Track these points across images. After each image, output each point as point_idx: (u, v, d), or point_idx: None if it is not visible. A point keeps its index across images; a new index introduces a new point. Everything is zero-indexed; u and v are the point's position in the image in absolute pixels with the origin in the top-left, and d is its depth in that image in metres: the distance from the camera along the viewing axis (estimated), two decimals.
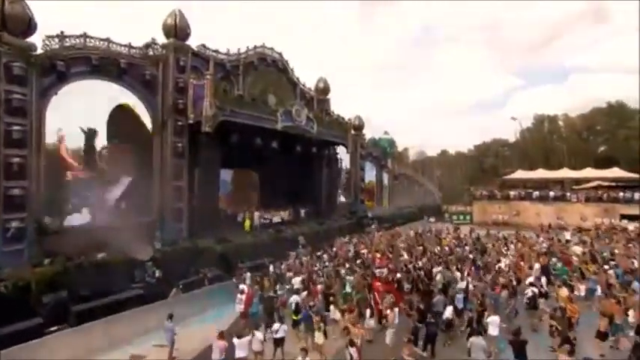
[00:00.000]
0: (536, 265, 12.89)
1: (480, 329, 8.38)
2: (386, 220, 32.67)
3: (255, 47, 22.27)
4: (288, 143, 22.58)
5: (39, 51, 13.15)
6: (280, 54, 24.16)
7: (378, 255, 15.90)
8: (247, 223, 20.68)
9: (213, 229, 17.76)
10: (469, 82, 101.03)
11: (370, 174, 36.89)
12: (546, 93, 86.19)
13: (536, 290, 10.31)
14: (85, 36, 14.58)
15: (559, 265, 13.40)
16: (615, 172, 34.67)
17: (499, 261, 14.45)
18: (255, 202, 24.54)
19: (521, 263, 13.98)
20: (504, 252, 16.77)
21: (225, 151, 19.11)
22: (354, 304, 10.30)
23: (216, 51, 19.69)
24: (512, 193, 35.33)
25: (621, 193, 30.13)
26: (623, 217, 28.62)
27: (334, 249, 18.54)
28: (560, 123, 55.67)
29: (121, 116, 15.91)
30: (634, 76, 57.00)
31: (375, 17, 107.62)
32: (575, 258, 14.04)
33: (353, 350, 7.38)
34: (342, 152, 32.11)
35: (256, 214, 21.06)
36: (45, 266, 11.99)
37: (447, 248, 17.60)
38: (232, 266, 15.97)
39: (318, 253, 17.20)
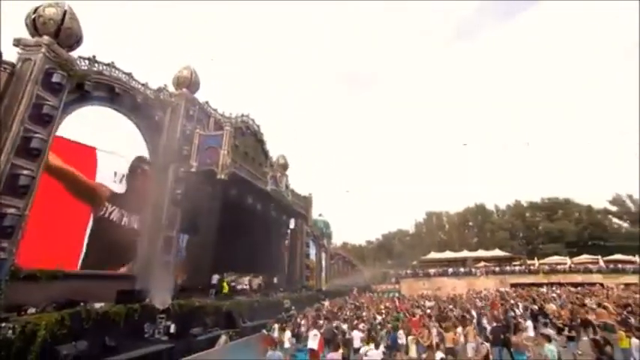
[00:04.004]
0: None
1: None
2: (331, 295, 32.82)
3: (242, 115, 23.72)
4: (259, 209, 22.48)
5: None
6: (259, 126, 26.02)
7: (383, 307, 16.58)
8: (225, 286, 18.72)
9: (197, 290, 15.59)
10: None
11: (311, 252, 37.82)
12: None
13: None
14: (112, 65, 14.06)
15: None
16: (497, 252, 44.47)
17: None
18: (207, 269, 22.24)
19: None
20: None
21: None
22: None
23: (215, 110, 20.45)
24: (432, 270, 40.75)
25: (508, 267, 38.66)
26: (512, 285, 36.16)
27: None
28: (444, 218, 69.33)
29: None
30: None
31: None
32: None
33: None
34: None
35: (246, 278, 19.46)
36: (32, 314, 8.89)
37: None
38: (236, 325, 14.11)
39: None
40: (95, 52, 13.49)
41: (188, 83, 17.90)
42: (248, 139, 24.45)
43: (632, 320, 10.46)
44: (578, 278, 34.55)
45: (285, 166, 31.59)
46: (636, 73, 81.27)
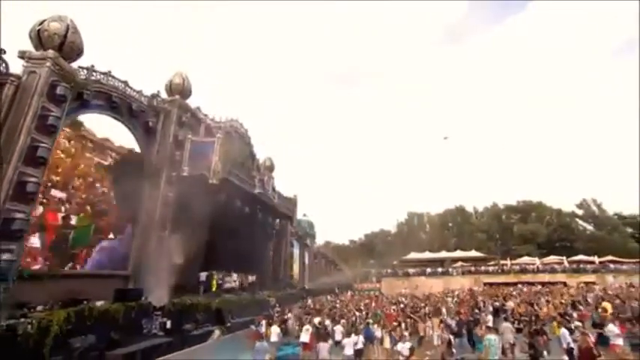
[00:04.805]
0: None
1: None
2: (315, 293, 34.03)
3: (232, 120, 24.54)
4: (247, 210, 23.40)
5: None
6: (247, 130, 26.87)
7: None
8: (214, 284, 19.61)
9: (186, 288, 16.48)
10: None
11: (295, 252, 38.95)
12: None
13: None
14: (109, 74, 14.71)
15: None
16: (473, 253, 46.83)
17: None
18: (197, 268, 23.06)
19: None
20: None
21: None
22: None
23: (206, 115, 21.21)
24: (411, 270, 42.58)
25: (482, 267, 41.01)
26: (485, 284, 38.38)
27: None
28: (425, 219, 71.66)
29: None
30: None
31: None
32: None
33: None
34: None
35: (235, 275, 20.36)
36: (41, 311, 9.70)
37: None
38: (226, 321, 15.11)
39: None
40: (87, 50, 13.86)
41: (180, 90, 18.65)
42: (236, 142, 25.32)
43: (575, 315, 12.14)
44: (545, 278, 37.08)
45: (271, 168, 32.54)
46: (611, 83, 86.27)
